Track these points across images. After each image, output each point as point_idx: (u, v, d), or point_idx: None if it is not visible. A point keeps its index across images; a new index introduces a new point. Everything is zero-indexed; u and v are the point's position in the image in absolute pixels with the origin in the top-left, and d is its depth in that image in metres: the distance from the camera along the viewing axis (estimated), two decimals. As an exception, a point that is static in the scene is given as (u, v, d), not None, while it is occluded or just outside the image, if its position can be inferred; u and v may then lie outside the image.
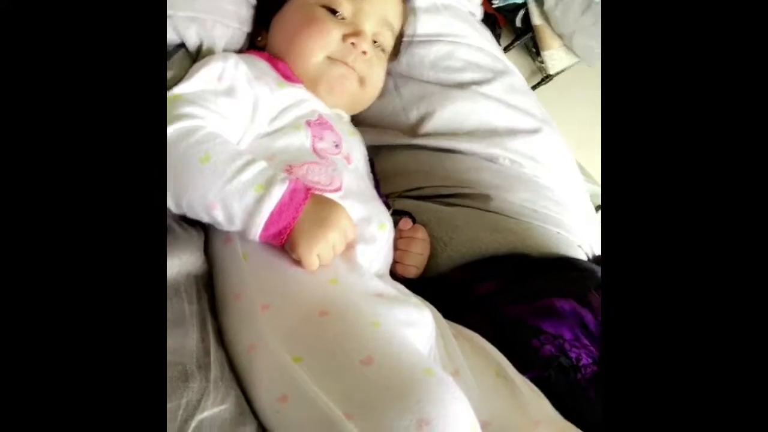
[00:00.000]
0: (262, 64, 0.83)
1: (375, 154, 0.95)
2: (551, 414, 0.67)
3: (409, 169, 0.99)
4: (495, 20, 1.99)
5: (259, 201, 0.64)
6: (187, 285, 0.65)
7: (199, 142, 0.65)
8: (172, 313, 0.60)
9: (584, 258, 0.97)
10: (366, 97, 0.93)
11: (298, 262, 0.65)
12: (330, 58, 0.85)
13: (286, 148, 0.75)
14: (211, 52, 0.84)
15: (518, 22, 2.02)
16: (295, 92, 0.82)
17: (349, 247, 0.71)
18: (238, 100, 0.74)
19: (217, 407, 0.55)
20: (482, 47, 1.13)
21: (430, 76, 1.04)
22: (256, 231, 0.65)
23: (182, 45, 0.83)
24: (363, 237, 0.73)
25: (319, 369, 0.56)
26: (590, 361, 0.73)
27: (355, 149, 0.85)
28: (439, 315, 0.75)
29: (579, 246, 0.97)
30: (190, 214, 0.67)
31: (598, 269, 0.91)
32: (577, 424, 0.66)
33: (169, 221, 0.69)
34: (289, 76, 0.83)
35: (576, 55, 1.99)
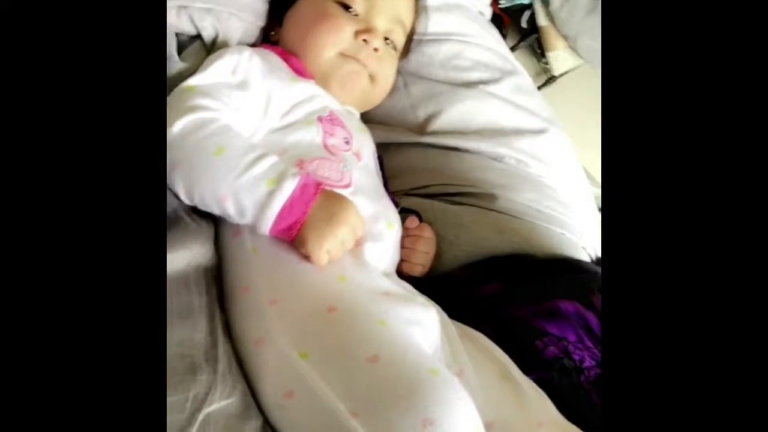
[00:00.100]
0: (274, 58, 0.83)
1: (383, 151, 0.95)
2: (554, 416, 0.67)
3: (416, 167, 0.99)
4: (501, 20, 1.99)
5: (270, 195, 0.64)
6: (197, 277, 0.65)
7: (213, 135, 0.65)
8: (181, 306, 0.60)
9: (588, 260, 0.98)
10: (376, 94, 0.93)
11: (307, 258, 0.65)
12: (342, 55, 0.85)
13: (298, 143, 0.75)
14: (225, 45, 0.84)
15: (524, 23, 2.02)
16: (307, 87, 0.82)
17: (358, 244, 0.71)
18: (251, 94, 0.75)
19: (224, 401, 0.55)
20: (491, 47, 1.13)
21: (439, 74, 1.05)
22: (267, 225, 0.65)
23: (198, 36, 0.83)
24: (371, 234, 0.73)
25: (325, 365, 0.56)
26: (594, 363, 0.74)
27: (365, 146, 0.85)
28: (444, 315, 0.75)
29: (583, 248, 0.98)
30: (202, 206, 0.67)
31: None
32: (580, 427, 0.66)
33: (180, 212, 0.69)
34: (301, 71, 0.83)
35: (580, 56, 1.99)
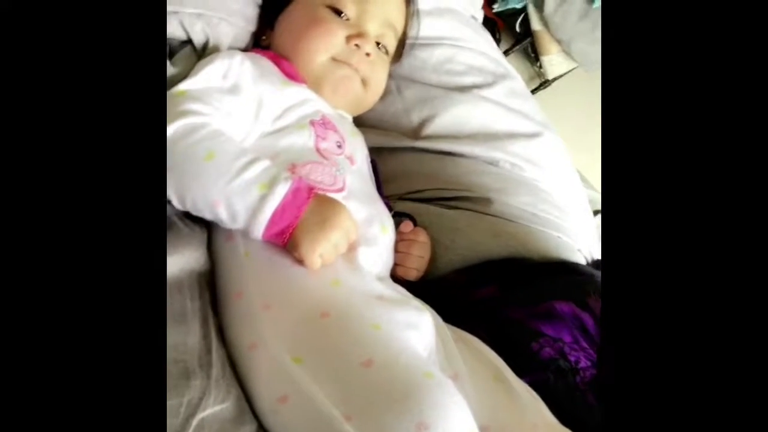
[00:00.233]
0: (266, 62, 0.83)
1: (377, 155, 0.95)
2: (549, 419, 0.67)
3: (410, 172, 0.99)
4: (495, 24, 2.00)
5: (262, 199, 0.64)
6: (190, 282, 0.65)
7: (204, 140, 0.65)
8: (175, 310, 0.60)
9: (583, 262, 0.98)
10: (369, 98, 0.93)
11: (300, 262, 0.65)
12: (334, 59, 0.85)
13: (290, 147, 0.75)
14: (216, 50, 0.84)
15: (518, 27, 2.03)
16: (299, 92, 0.81)
17: (351, 248, 0.71)
18: (242, 98, 0.74)
19: (218, 406, 0.55)
20: (484, 51, 1.13)
21: (432, 79, 1.05)
22: (259, 229, 0.65)
23: (188, 41, 0.83)
24: (365, 238, 0.73)
25: (318, 370, 0.56)
26: (589, 364, 0.74)
27: (357, 150, 0.85)
28: (438, 318, 0.74)
29: (578, 250, 0.98)
30: (194, 211, 0.67)
31: (598, 273, 0.91)
32: (576, 428, 0.66)
33: (173, 218, 0.69)
34: (293, 75, 0.83)
35: (574, 60, 2.01)
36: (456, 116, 1.02)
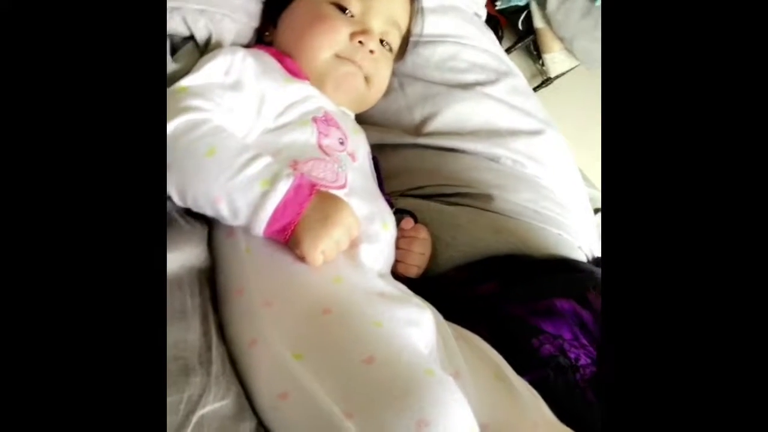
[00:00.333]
0: (268, 59, 0.82)
1: (379, 152, 0.95)
2: (549, 417, 0.67)
3: (412, 168, 0.99)
4: (497, 22, 2.00)
5: (264, 196, 0.64)
6: (190, 279, 0.64)
7: (205, 136, 0.65)
8: (175, 307, 0.60)
9: (584, 260, 0.98)
10: (371, 95, 0.93)
11: (301, 259, 0.65)
12: (338, 56, 0.85)
13: (292, 144, 0.75)
14: (219, 46, 0.83)
15: (520, 25, 2.03)
16: (302, 88, 0.81)
17: (353, 245, 0.71)
18: (244, 95, 0.74)
19: (218, 402, 0.55)
20: (487, 49, 1.13)
21: (435, 76, 1.05)
22: (261, 226, 0.65)
23: (191, 37, 0.83)
24: (367, 235, 0.73)
25: (319, 367, 0.56)
26: (589, 361, 0.74)
27: (359, 147, 0.85)
28: (439, 316, 0.75)
29: (579, 247, 0.98)
30: (195, 208, 0.67)
31: (598, 270, 0.91)
32: (576, 427, 0.66)
33: (174, 214, 0.69)
34: (295, 72, 0.83)
35: (576, 58, 2.00)
36: (458, 113, 1.02)
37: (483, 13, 1.29)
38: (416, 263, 0.86)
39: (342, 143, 0.80)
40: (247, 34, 0.90)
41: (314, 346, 0.58)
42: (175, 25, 0.81)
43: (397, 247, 0.84)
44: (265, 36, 0.92)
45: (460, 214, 0.93)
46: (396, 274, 0.83)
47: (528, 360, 0.73)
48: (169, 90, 0.70)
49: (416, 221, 0.89)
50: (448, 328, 0.74)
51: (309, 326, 0.60)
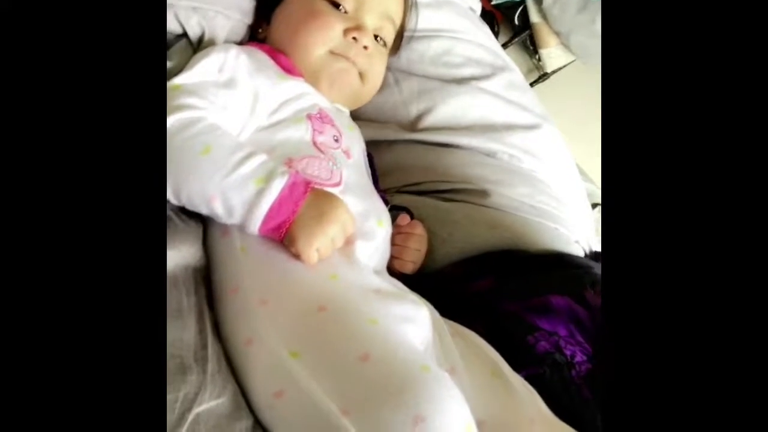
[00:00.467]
0: (262, 56, 0.82)
1: (374, 149, 0.95)
2: (545, 413, 0.67)
3: (407, 165, 0.99)
4: (493, 17, 2.00)
5: (259, 194, 0.64)
6: (186, 277, 0.64)
7: (200, 134, 0.65)
8: (171, 306, 0.60)
9: (581, 254, 0.98)
10: (366, 91, 0.92)
11: (297, 257, 0.65)
12: (332, 53, 0.85)
13: (286, 141, 0.75)
14: (212, 43, 0.83)
15: (516, 20, 2.03)
16: (296, 85, 0.81)
17: (348, 242, 0.71)
18: (238, 92, 0.74)
19: (213, 401, 0.55)
20: (482, 43, 1.13)
21: (430, 71, 1.05)
22: (256, 224, 0.64)
23: (184, 35, 0.83)
24: (362, 232, 0.73)
25: (315, 364, 0.56)
26: (585, 358, 0.74)
27: (354, 144, 0.85)
28: (435, 312, 0.75)
29: (576, 242, 0.98)
30: (189, 206, 0.67)
31: (595, 265, 0.91)
32: (572, 423, 0.66)
33: (169, 213, 0.68)
34: (289, 69, 0.83)
35: (572, 53, 2.00)
36: (454, 108, 1.02)
37: (477, 7, 1.29)
38: (412, 259, 0.86)
39: (336, 140, 0.80)
40: (240, 31, 0.90)
41: (310, 344, 0.58)
42: (167, 23, 0.80)
43: (393, 244, 0.84)
44: (258, 33, 0.91)
45: (456, 210, 0.93)
46: (392, 271, 0.83)
47: (524, 357, 0.73)
48: None
49: (412, 217, 0.89)
50: (444, 324, 0.74)
51: (304, 324, 0.60)
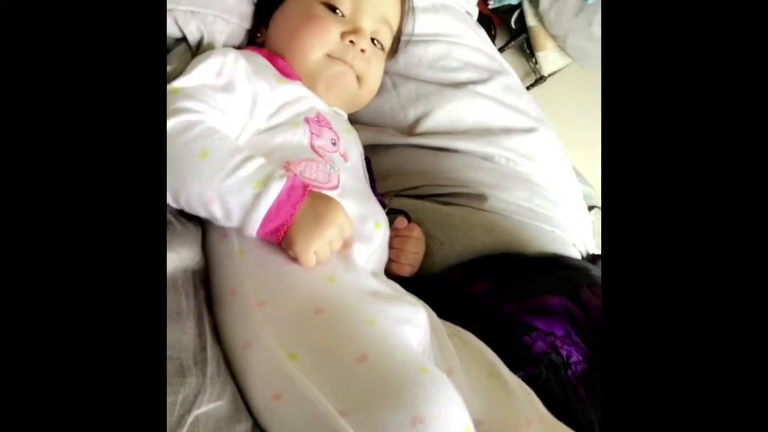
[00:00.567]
0: (260, 60, 0.83)
1: (372, 152, 0.95)
2: (542, 413, 0.67)
3: (405, 168, 0.99)
4: (490, 21, 2.00)
5: (257, 197, 0.64)
6: (185, 280, 0.64)
7: (198, 137, 0.65)
8: (170, 308, 0.60)
9: (578, 257, 0.98)
10: (364, 95, 0.93)
11: (294, 259, 0.65)
12: (329, 56, 0.86)
13: (284, 145, 0.75)
14: (211, 47, 0.84)
15: (513, 23, 2.03)
16: (294, 89, 0.81)
17: (346, 245, 0.71)
18: (236, 96, 0.74)
19: (213, 403, 0.55)
20: (479, 47, 1.13)
21: (427, 75, 1.05)
22: (254, 227, 0.65)
23: (183, 39, 0.83)
24: (360, 235, 0.73)
25: (313, 367, 0.56)
26: (581, 358, 0.74)
27: (352, 147, 0.85)
28: (433, 314, 0.75)
29: (573, 245, 0.98)
30: (188, 209, 0.67)
31: (592, 267, 0.92)
32: (568, 423, 0.66)
33: (168, 215, 0.69)
34: (287, 72, 0.83)
35: (569, 56, 2.01)
36: (451, 112, 1.02)
37: (475, 11, 1.29)
38: (410, 262, 0.86)
39: (334, 144, 0.80)
40: (239, 35, 0.90)
41: (308, 346, 0.58)
42: (167, 27, 0.81)
43: (391, 247, 0.84)
44: (256, 37, 0.92)
45: (454, 213, 0.93)
46: (389, 274, 0.83)
47: (520, 357, 0.74)
48: None
49: (409, 221, 0.89)
50: (442, 325, 0.74)
51: (302, 326, 0.60)
